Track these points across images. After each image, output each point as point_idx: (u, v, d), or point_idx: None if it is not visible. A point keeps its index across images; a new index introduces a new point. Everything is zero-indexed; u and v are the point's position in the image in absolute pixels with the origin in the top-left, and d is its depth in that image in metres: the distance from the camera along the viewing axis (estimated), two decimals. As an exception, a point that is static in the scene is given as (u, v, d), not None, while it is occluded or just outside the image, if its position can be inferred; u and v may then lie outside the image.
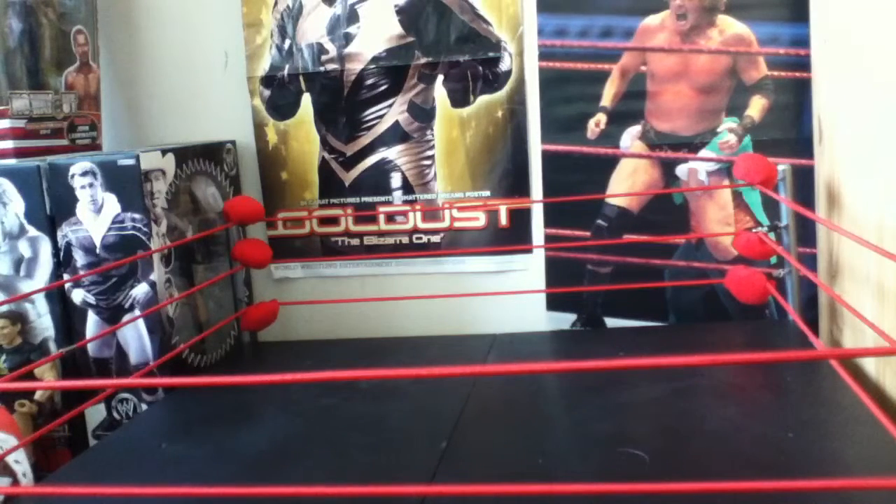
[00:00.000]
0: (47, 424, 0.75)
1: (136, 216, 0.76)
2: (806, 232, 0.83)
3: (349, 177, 0.95)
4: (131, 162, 0.76)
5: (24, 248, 0.78)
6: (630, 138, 0.89)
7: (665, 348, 0.82)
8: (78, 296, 0.78)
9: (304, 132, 0.95)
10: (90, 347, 0.79)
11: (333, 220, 0.96)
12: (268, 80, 0.95)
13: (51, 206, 0.78)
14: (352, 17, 0.92)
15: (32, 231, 0.78)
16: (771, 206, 0.86)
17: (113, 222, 0.77)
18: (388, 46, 0.91)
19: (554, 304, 0.93)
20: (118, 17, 0.98)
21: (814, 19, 0.83)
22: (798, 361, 0.71)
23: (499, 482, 0.38)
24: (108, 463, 0.65)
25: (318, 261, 0.97)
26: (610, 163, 0.89)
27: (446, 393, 0.72)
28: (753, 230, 0.82)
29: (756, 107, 0.86)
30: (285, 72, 0.94)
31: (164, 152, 0.81)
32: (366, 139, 0.94)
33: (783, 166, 0.82)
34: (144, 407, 0.79)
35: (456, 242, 0.94)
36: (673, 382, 0.69)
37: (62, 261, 0.78)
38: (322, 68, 0.93)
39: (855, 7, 0.71)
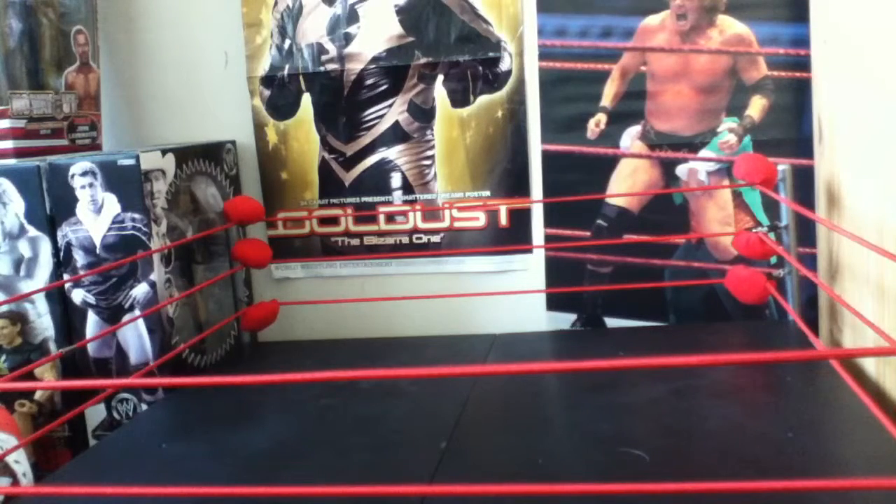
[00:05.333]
0: (47, 424, 0.75)
1: (136, 216, 0.76)
2: (806, 232, 0.83)
3: (349, 177, 0.95)
4: (131, 162, 0.76)
5: (24, 248, 0.78)
6: (630, 138, 0.89)
7: (665, 348, 0.82)
8: (78, 296, 0.78)
9: (304, 132, 0.95)
10: (90, 347, 0.79)
11: (333, 220, 0.96)
12: (268, 80, 0.95)
13: (51, 206, 0.78)
14: (352, 17, 0.92)
15: (32, 231, 0.78)
16: (771, 206, 0.86)
17: (113, 222, 0.77)
18: (388, 46, 0.91)
19: (554, 304, 0.93)
20: (118, 17, 0.98)
21: (814, 19, 0.83)
22: (798, 361, 0.71)
23: (499, 482, 0.38)
24: (108, 463, 0.65)
25: (318, 261, 0.97)
26: (610, 163, 0.89)
27: (446, 393, 0.72)
28: (753, 230, 0.82)
29: (756, 107, 0.86)
30: (285, 72, 0.94)
31: (164, 152, 0.81)
32: (366, 139, 0.94)
33: (783, 166, 0.82)
34: (144, 407, 0.79)
35: (456, 242, 0.94)
36: (673, 382, 0.69)
37: (62, 261, 0.78)
38: (322, 68, 0.93)
39: (855, 7, 0.71)
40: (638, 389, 0.69)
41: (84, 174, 0.76)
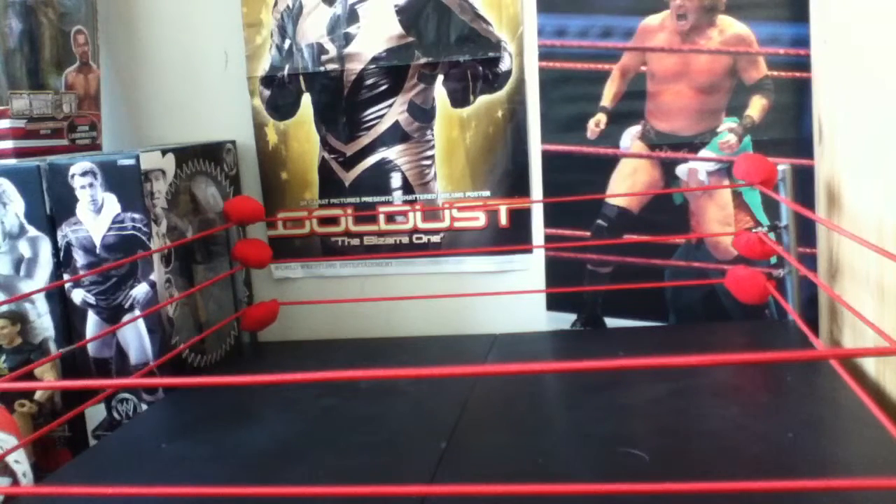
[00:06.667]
0: (47, 424, 0.75)
1: (136, 216, 0.76)
2: (806, 232, 0.83)
3: (349, 177, 0.95)
4: (131, 162, 0.76)
5: (24, 248, 0.78)
6: (630, 138, 0.89)
7: (665, 348, 0.82)
8: (78, 296, 0.78)
9: (304, 132, 0.95)
10: (90, 347, 0.79)
11: (333, 220, 0.96)
12: (268, 80, 0.95)
13: (51, 206, 0.78)
14: (352, 17, 0.92)
15: (32, 231, 0.78)
16: (771, 206, 0.86)
17: (113, 222, 0.77)
18: (388, 46, 0.91)
19: (554, 304, 0.93)
20: (118, 17, 0.98)
21: (814, 19, 0.83)
22: (798, 361, 0.71)
23: (499, 482, 0.38)
24: (108, 463, 0.65)
25: (318, 261, 0.97)
26: (610, 163, 0.89)
27: (446, 393, 0.72)
28: (753, 230, 0.82)
29: (756, 107, 0.86)
30: (285, 72, 0.94)
31: (164, 152, 0.81)
32: (366, 139, 0.94)
33: (783, 166, 0.82)
34: (144, 407, 0.79)
35: (456, 242, 0.94)
36: (673, 382, 0.69)
37: (62, 261, 0.78)
38: (322, 68, 0.93)
39: (855, 7, 0.71)
40: (638, 389, 0.69)
41: (84, 174, 0.76)
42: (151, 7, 0.98)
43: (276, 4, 0.93)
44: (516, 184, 0.92)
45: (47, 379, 0.78)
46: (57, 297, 0.78)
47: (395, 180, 0.94)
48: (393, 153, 0.94)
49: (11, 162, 0.80)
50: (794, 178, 0.82)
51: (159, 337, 0.78)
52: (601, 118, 0.89)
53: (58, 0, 0.87)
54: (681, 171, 0.88)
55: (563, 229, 0.92)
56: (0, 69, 0.80)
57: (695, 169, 0.88)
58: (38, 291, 0.77)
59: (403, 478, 0.57)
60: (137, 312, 0.78)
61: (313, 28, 0.93)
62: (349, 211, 0.96)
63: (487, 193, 0.93)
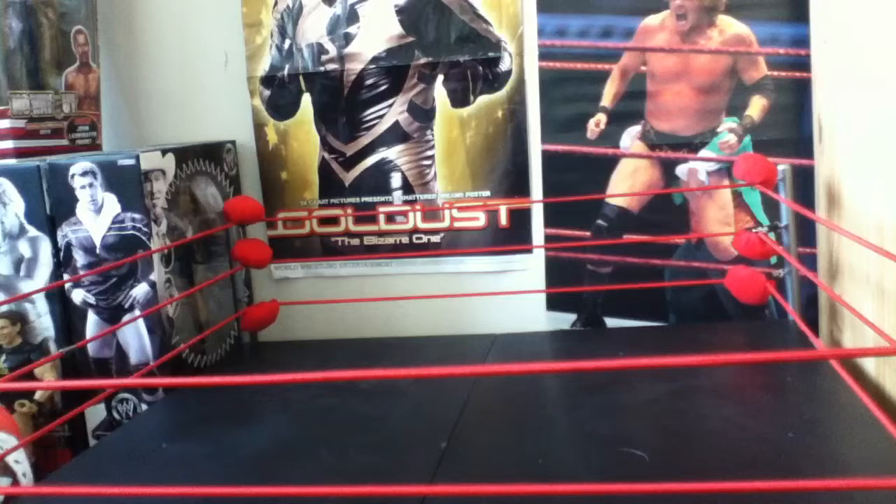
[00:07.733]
0: (47, 424, 0.75)
1: (136, 216, 0.76)
2: (806, 232, 0.83)
3: (349, 177, 0.95)
4: (131, 162, 0.76)
5: (24, 248, 0.78)
6: (630, 138, 0.89)
7: (665, 348, 0.82)
8: (78, 296, 0.78)
9: (304, 132, 0.95)
10: (90, 347, 0.79)
11: (333, 220, 0.96)
12: (268, 80, 0.95)
13: (51, 206, 0.78)
14: (352, 17, 0.92)
15: (32, 231, 0.78)
16: (771, 206, 0.86)
17: (113, 222, 0.77)
18: (388, 46, 0.91)
19: (554, 304, 0.93)
20: (118, 17, 0.98)
21: (814, 19, 0.83)
22: (798, 361, 0.71)
23: (499, 482, 0.38)
24: (108, 463, 0.65)
25: (318, 261, 0.97)
26: (610, 163, 0.89)
27: (446, 393, 0.72)
28: (753, 230, 0.82)
29: (756, 107, 0.86)
30: (285, 72, 0.94)
31: (164, 152, 0.81)
32: (366, 139, 0.94)
33: (783, 166, 0.82)
34: (144, 407, 0.79)
35: (456, 242, 0.94)
36: (673, 382, 0.69)
37: (62, 261, 0.78)
38: (322, 68, 0.93)
39: (855, 7, 0.71)
40: (638, 389, 0.69)
41: (84, 174, 0.76)
42: (151, 7, 0.98)
43: (276, 4, 0.94)
44: (516, 184, 0.92)
45: (47, 379, 0.78)
46: (57, 297, 0.78)
47: (395, 180, 0.94)
48: (393, 153, 0.94)
49: (11, 162, 0.80)
50: (794, 178, 0.82)
51: (159, 337, 0.78)
52: (601, 118, 0.89)
53: (58, 0, 0.87)
54: (681, 171, 0.88)
55: (563, 229, 0.92)
56: (0, 69, 0.80)
57: (695, 169, 0.88)
58: (38, 291, 0.77)
59: (403, 478, 0.57)
60: (137, 312, 0.78)
61: (313, 28, 0.93)
62: (349, 211, 0.96)
63: (487, 193, 0.93)
